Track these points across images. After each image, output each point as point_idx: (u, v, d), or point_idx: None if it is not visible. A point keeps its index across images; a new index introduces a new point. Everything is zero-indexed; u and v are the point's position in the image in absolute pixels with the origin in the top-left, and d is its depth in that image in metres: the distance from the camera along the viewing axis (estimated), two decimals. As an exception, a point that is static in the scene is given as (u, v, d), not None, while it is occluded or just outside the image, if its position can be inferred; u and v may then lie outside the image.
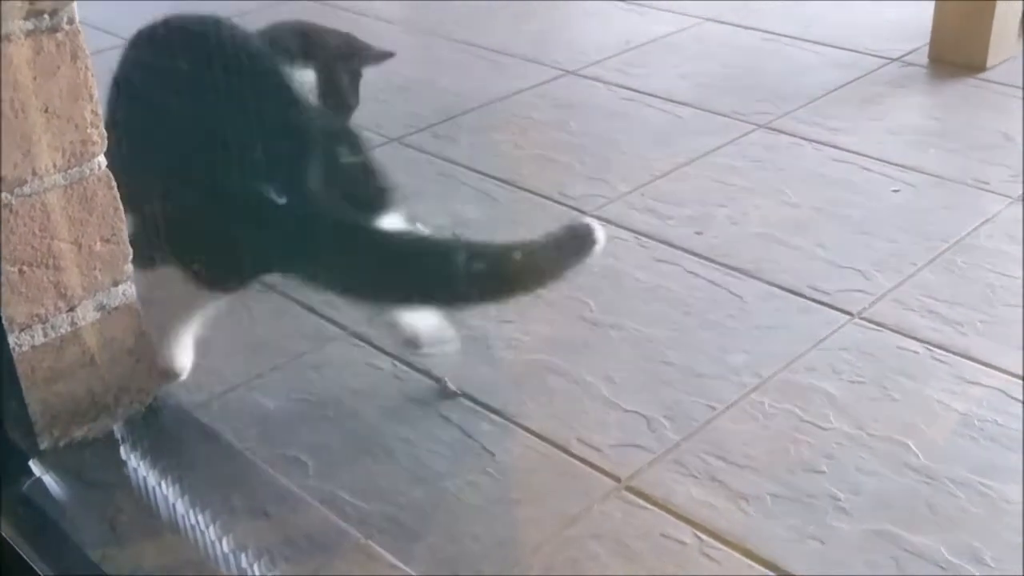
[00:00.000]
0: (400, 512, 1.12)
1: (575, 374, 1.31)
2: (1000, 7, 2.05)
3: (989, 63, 2.08)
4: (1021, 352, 1.32)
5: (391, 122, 1.99)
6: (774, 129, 1.92)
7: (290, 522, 0.99)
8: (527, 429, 1.23)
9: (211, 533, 0.97)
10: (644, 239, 1.59)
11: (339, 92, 1.39)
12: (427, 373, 1.31)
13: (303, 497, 1.02)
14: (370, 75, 2.25)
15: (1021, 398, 1.25)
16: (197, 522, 0.98)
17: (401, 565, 0.97)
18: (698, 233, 1.61)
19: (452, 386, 1.28)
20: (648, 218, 1.65)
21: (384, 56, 1.44)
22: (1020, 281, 1.46)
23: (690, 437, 1.21)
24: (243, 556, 0.94)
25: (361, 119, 2.02)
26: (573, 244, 1.21)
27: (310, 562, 0.96)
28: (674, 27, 2.40)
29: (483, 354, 1.35)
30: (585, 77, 2.17)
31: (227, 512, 0.99)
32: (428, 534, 1.10)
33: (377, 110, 2.04)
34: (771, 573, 1.04)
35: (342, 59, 1.40)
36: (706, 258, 1.54)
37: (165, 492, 1.02)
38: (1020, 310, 1.40)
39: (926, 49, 2.16)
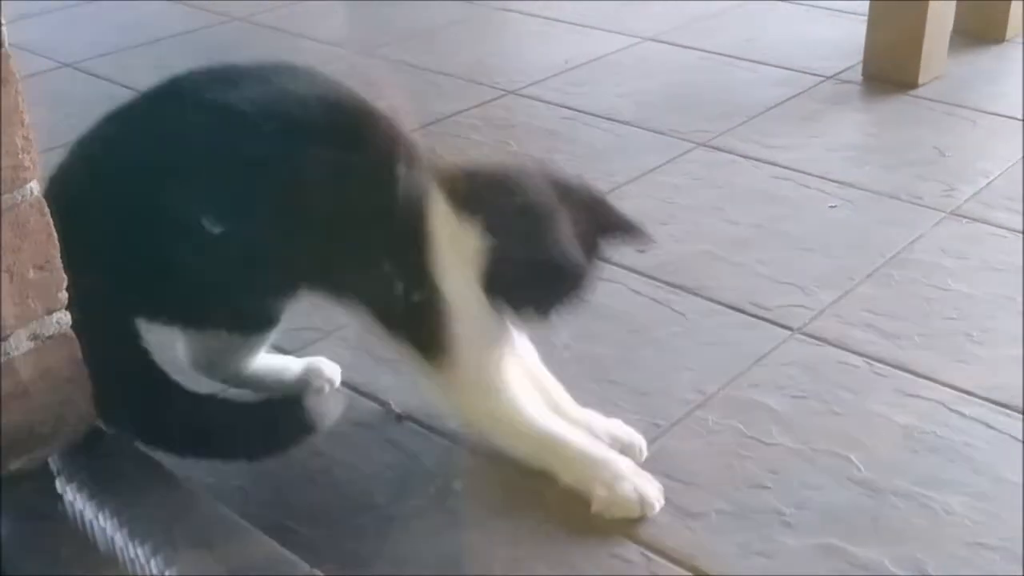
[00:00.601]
0: (348, 539, 1.11)
1: (520, 395, 1.31)
2: (930, 27, 2.09)
3: (920, 80, 2.13)
4: (959, 364, 1.34)
5: (332, 144, 1.98)
6: (714, 147, 1.93)
7: (235, 553, 0.97)
8: (475, 451, 1.22)
9: (153, 567, 0.94)
10: (587, 258, 1.59)
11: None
12: (372, 396, 1.30)
13: (248, 527, 1.00)
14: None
15: (960, 410, 1.27)
16: (138, 555, 0.96)
17: (348, 593, 0.95)
18: (640, 251, 1.61)
19: (397, 409, 1.27)
20: (591, 237, 1.65)
21: (640, 238, 1.17)
22: (956, 294, 1.49)
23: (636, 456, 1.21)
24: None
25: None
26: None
27: (255, 593, 0.95)
28: (614, 47, 2.41)
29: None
30: (525, 97, 2.18)
31: (169, 544, 0.96)
32: (377, 560, 1.08)
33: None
34: (719, 590, 1.05)
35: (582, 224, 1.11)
36: (649, 276, 1.55)
37: (104, 524, 0.99)
38: (957, 323, 1.42)
39: (860, 67, 2.20)
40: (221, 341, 1.21)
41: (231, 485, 1.17)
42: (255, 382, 1.26)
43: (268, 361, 1.28)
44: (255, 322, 1.18)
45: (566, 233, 1.08)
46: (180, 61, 1.18)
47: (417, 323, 1.11)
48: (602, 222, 1.14)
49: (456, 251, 1.09)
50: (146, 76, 1.18)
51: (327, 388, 1.30)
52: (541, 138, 2.00)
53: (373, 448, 1.22)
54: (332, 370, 1.32)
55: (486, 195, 1.10)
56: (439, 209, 1.10)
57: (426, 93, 2.22)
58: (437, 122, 2.06)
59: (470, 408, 1.16)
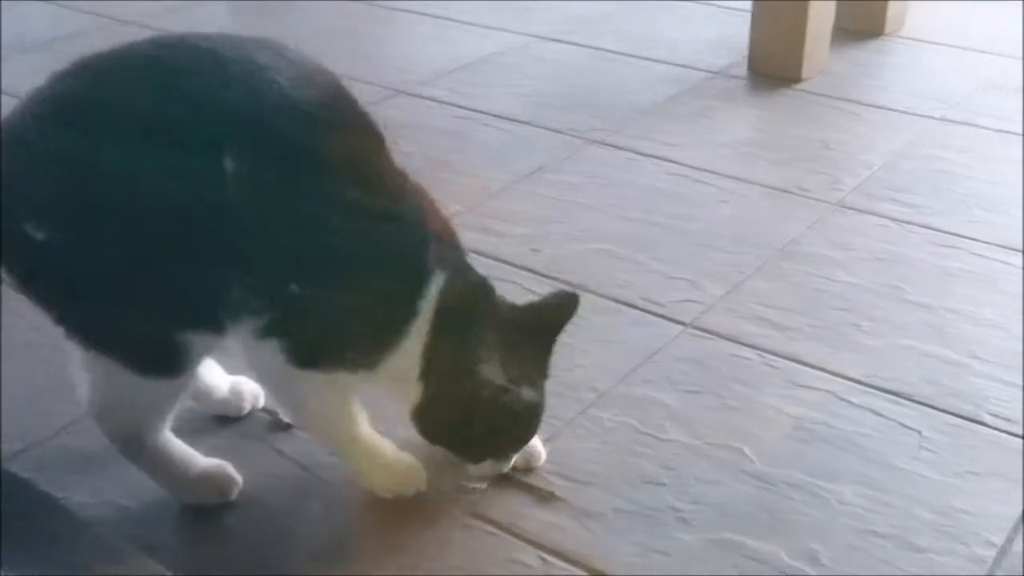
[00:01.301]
0: (238, 555, 1.07)
1: (415, 399, 1.29)
2: (812, 22, 2.13)
3: (804, 75, 2.16)
4: (848, 354, 1.36)
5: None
6: (608, 144, 1.94)
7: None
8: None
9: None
10: (480, 258, 1.57)
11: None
12: (260, 408, 1.27)
13: (130, 549, 0.96)
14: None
15: (850, 399, 1.29)
16: (10, 584, 0.92)
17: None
18: (534, 250, 1.61)
19: (285, 419, 1.23)
20: (484, 237, 1.64)
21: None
22: (843, 285, 1.51)
23: (531, 457, 1.20)
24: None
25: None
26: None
27: (136, 617, 0.91)
28: (506, 45, 2.40)
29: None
30: (417, 96, 2.15)
31: (45, 572, 0.92)
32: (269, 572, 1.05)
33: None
34: (617, 590, 1.04)
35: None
36: (543, 275, 1.54)
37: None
38: (845, 313, 1.45)
39: (746, 62, 2.23)
40: (126, 380, 1.04)
41: (111, 503, 1.12)
42: (156, 461, 1.12)
43: (175, 445, 1.13)
44: (168, 355, 1.02)
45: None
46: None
47: (310, 331, 1.03)
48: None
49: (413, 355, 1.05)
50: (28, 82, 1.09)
51: (247, 409, 1.24)
52: (436, 138, 1.98)
53: (262, 459, 1.19)
54: (254, 391, 1.24)
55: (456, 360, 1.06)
56: (426, 317, 1.04)
57: (316, 95, 2.17)
58: (327, 124, 2.02)
59: (312, 414, 1.11)
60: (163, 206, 0.94)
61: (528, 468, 1.17)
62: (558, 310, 1.14)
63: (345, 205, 0.98)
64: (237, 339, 1.03)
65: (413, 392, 1.08)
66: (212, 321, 1.00)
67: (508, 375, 1.07)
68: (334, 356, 1.03)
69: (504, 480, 1.16)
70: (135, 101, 0.95)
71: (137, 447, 1.10)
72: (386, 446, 1.14)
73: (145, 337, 1.00)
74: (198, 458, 1.13)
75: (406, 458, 1.15)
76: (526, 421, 1.11)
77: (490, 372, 1.06)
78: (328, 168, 0.98)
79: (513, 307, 1.13)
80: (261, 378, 1.15)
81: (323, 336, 1.02)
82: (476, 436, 1.10)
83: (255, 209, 0.95)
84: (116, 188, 0.94)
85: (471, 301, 1.08)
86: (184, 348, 1.01)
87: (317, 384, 1.05)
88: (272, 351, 1.02)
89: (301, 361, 1.03)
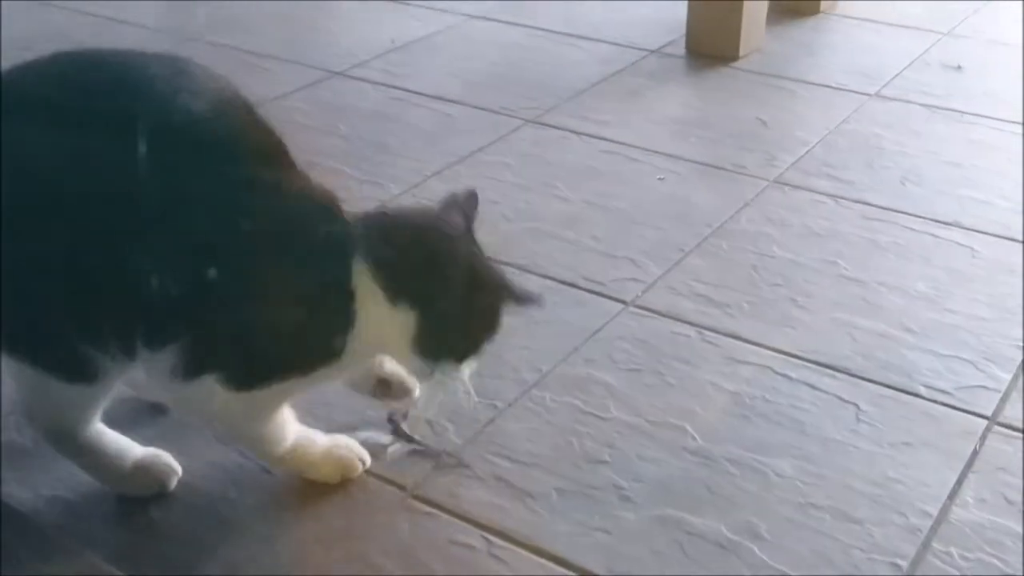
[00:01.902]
0: (174, 545, 1.06)
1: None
2: (748, 3, 2.15)
3: (741, 53, 2.17)
4: (785, 329, 1.38)
5: (149, 132, 1.89)
6: (543, 124, 1.93)
7: (50, 570, 0.92)
8: (307, 445, 1.18)
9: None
10: (419, 240, 1.57)
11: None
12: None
13: (65, 540, 0.94)
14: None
15: (787, 373, 1.30)
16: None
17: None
18: (472, 231, 1.60)
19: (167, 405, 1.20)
20: (422, 219, 1.62)
21: (531, 302, 1.10)
22: (780, 261, 1.52)
23: (474, 439, 1.20)
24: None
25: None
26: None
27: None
28: (440, 25, 2.38)
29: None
30: (352, 78, 2.13)
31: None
32: (206, 565, 1.04)
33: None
34: (560, 569, 1.04)
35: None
36: (482, 256, 1.53)
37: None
38: (782, 289, 1.46)
39: (683, 41, 2.24)
40: (46, 382, 1.01)
41: (47, 497, 1.10)
42: (89, 455, 1.09)
43: (108, 438, 1.10)
44: (80, 364, 0.99)
45: (494, 284, 1.07)
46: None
47: (248, 351, 1.00)
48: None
49: (376, 325, 1.01)
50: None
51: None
52: (370, 120, 1.96)
53: (204, 450, 1.17)
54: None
55: (415, 271, 1.02)
56: (363, 281, 1.00)
57: (250, 77, 2.14)
58: (261, 106, 1.99)
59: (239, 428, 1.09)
60: (66, 216, 0.92)
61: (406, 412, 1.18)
62: (468, 207, 1.10)
63: (256, 211, 0.96)
64: (156, 383, 1.01)
65: (402, 336, 1.03)
66: (122, 341, 0.97)
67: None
68: (284, 365, 1.01)
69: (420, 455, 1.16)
70: (42, 110, 0.94)
71: (68, 443, 1.07)
72: (316, 436, 1.13)
73: (55, 346, 0.98)
74: (133, 448, 1.11)
75: (340, 439, 1.14)
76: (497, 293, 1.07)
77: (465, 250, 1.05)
78: (235, 175, 0.97)
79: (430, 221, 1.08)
80: (191, 415, 1.11)
81: (266, 349, 0.99)
82: (474, 323, 1.06)
83: (163, 221, 0.93)
84: (25, 194, 0.92)
85: (399, 227, 1.05)
86: (96, 360, 0.99)
87: (262, 398, 1.03)
88: (203, 387, 0.99)
89: (244, 383, 0.99)
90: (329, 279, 1.00)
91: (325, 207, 1.03)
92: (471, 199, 1.12)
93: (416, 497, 1.12)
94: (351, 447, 1.14)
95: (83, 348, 0.97)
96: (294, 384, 1.03)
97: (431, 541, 1.07)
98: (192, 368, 0.98)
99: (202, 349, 0.97)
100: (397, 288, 1.00)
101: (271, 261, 0.97)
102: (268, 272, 0.97)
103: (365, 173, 1.76)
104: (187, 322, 0.96)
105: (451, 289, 1.03)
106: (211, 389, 0.99)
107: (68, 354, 0.98)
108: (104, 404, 1.07)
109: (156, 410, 1.21)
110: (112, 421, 1.10)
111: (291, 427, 1.10)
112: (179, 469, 1.12)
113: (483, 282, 1.06)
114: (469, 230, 1.09)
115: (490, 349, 1.32)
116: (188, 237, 0.94)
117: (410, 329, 1.02)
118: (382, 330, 1.02)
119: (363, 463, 1.14)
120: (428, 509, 1.11)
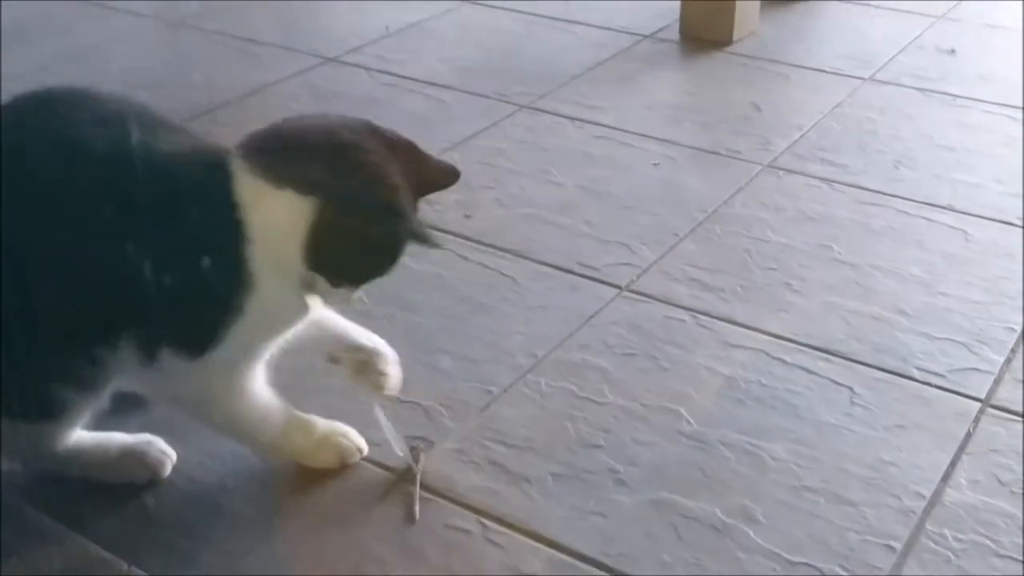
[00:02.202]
0: (170, 533, 1.06)
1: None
2: (742, -15, 2.14)
3: (735, 37, 2.17)
4: (779, 313, 1.38)
5: (142, 120, 1.89)
6: (536, 109, 1.93)
7: (44, 557, 0.92)
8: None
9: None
10: (413, 227, 1.57)
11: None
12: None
13: (56, 527, 0.94)
14: (115, 72, 2.13)
15: (782, 357, 1.30)
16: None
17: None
18: (467, 217, 1.60)
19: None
20: (416, 205, 1.62)
21: (432, 243, 1.02)
22: (774, 245, 1.52)
23: (469, 424, 1.20)
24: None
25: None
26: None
27: (68, 598, 0.89)
28: (432, 12, 2.38)
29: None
30: (345, 64, 2.13)
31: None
32: (202, 553, 1.04)
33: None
34: (555, 552, 1.04)
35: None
36: (476, 242, 1.53)
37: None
38: (776, 273, 1.46)
39: (676, 26, 2.23)
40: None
41: (39, 484, 1.10)
42: (72, 462, 1.09)
43: (87, 439, 1.10)
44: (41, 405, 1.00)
45: (402, 190, 1.00)
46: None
47: (194, 316, 0.99)
48: (419, 169, 1.05)
49: (270, 225, 0.96)
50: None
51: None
52: (363, 106, 1.95)
53: (204, 439, 1.17)
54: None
55: (304, 153, 0.98)
56: (245, 182, 0.96)
57: (242, 64, 2.14)
58: (255, 93, 1.99)
59: (210, 405, 1.07)
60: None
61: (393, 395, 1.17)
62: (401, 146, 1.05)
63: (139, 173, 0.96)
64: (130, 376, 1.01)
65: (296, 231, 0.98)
66: (86, 373, 0.99)
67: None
68: (218, 311, 0.98)
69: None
70: None
71: (48, 462, 1.08)
72: (315, 422, 1.13)
73: (16, 391, 0.98)
74: (115, 437, 1.10)
75: (338, 426, 1.14)
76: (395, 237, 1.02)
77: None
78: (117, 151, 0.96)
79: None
80: (182, 402, 1.08)
81: (193, 298, 0.97)
82: (369, 241, 1.00)
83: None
84: None
85: (286, 129, 1.02)
86: (59, 398, 1.00)
87: (226, 366, 1.01)
88: (170, 365, 0.99)
89: (197, 347, 0.98)
90: (214, 201, 0.96)
91: (210, 152, 1.00)
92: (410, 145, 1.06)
93: (413, 483, 1.12)
94: (348, 435, 1.14)
95: (44, 388, 0.98)
96: (246, 337, 1.00)
97: (427, 526, 1.07)
98: (149, 349, 0.98)
99: (148, 328, 0.97)
100: (280, 173, 0.96)
101: (161, 213, 0.95)
102: (163, 225, 0.95)
103: (359, 160, 1.76)
104: (129, 310, 0.96)
105: (343, 182, 0.97)
106: (179, 367, 0.98)
107: (31, 397, 0.98)
108: (79, 423, 1.06)
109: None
110: (110, 411, 1.09)
111: (280, 412, 1.10)
112: (173, 455, 1.12)
113: (383, 199, 0.99)
114: (388, 152, 1.02)
115: (484, 335, 1.34)
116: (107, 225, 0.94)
117: (303, 226, 0.96)
118: (277, 225, 0.97)
119: (360, 451, 1.14)
120: (424, 494, 1.11)
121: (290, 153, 0.98)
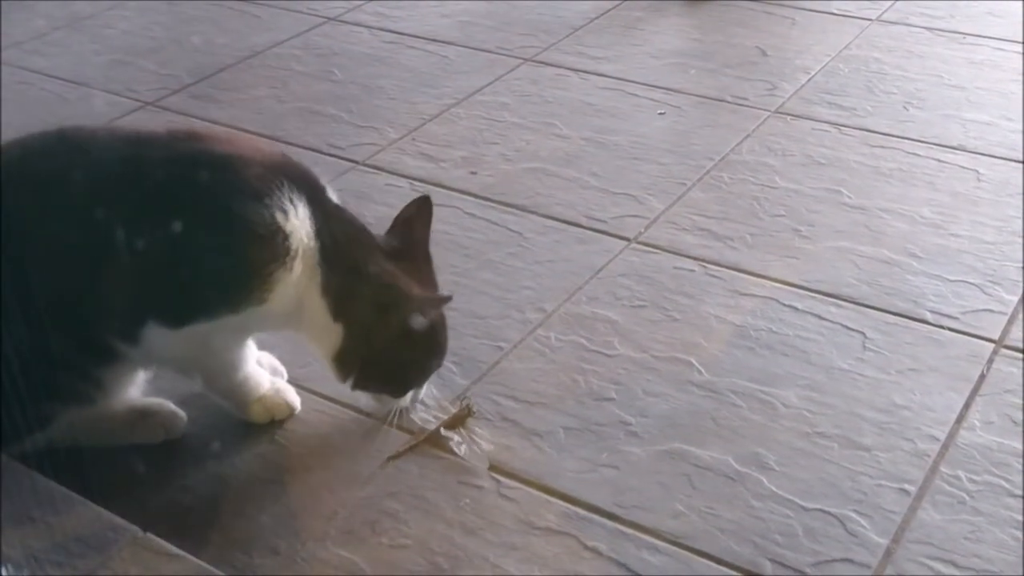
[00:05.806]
0: (183, 497, 1.06)
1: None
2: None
3: (739, -19, 2.14)
4: (788, 260, 1.37)
5: (144, 85, 1.88)
6: (540, 62, 1.91)
7: (59, 524, 0.92)
8: (312, 392, 1.18)
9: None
10: (419, 184, 1.56)
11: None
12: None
13: (70, 495, 0.95)
14: (118, 36, 2.11)
15: (792, 304, 1.29)
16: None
17: (185, 554, 0.91)
18: (472, 173, 1.59)
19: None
20: (421, 162, 1.61)
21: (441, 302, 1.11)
22: (782, 191, 1.51)
23: (479, 380, 1.20)
24: (2, 569, 0.86)
25: (112, 83, 1.91)
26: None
27: (84, 563, 0.90)
28: (433, -34, 2.35)
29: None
30: (346, 23, 2.11)
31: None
32: (216, 514, 1.04)
33: (128, 73, 1.93)
34: (568, 506, 1.04)
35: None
36: (482, 198, 1.52)
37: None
38: (784, 219, 1.45)
39: (679, -28, 2.20)
40: None
41: (48, 451, 1.10)
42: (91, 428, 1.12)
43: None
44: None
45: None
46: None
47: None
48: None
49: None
50: None
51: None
52: (366, 65, 1.94)
53: (199, 401, 1.17)
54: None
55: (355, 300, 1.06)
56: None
57: (242, 25, 2.12)
58: (256, 55, 1.98)
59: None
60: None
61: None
62: (421, 216, 1.12)
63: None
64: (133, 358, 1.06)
65: (335, 337, 1.07)
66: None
67: (421, 288, 1.08)
68: (200, 302, 1.03)
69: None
70: None
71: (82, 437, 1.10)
72: (262, 379, 1.15)
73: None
74: (124, 401, 1.12)
75: (280, 384, 1.16)
76: (444, 333, 1.12)
77: (407, 289, 1.06)
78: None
79: (384, 235, 1.12)
80: (170, 363, 1.11)
81: (187, 287, 1.02)
82: (404, 359, 1.10)
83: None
84: None
85: (351, 233, 1.08)
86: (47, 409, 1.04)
87: (205, 336, 1.04)
88: (155, 334, 1.03)
89: (178, 319, 1.02)
90: (256, 225, 1.01)
91: (246, 160, 1.05)
92: (424, 204, 1.14)
93: (423, 440, 1.12)
94: (282, 392, 1.15)
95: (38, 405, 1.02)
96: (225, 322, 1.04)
97: (440, 483, 1.08)
98: (134, 316, 1.02)
99: (138, 300, 1.02)
100: (337, 304, 1.06)
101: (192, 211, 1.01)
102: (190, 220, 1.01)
103: (359, 118, 1.75)
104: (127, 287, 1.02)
105: (381, 342, 1.07)
106: (161, 334, 1.03)
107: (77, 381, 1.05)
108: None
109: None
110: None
111: (257, 378, 1.14)
112: (184, 416, 1.13)
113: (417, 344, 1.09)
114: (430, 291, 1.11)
115: (493, 291, 1.33)
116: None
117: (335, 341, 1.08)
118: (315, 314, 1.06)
119: (293, 408, 1.15)
120: (437, 452, 1.11)
121: (348, 288, 1.07)
